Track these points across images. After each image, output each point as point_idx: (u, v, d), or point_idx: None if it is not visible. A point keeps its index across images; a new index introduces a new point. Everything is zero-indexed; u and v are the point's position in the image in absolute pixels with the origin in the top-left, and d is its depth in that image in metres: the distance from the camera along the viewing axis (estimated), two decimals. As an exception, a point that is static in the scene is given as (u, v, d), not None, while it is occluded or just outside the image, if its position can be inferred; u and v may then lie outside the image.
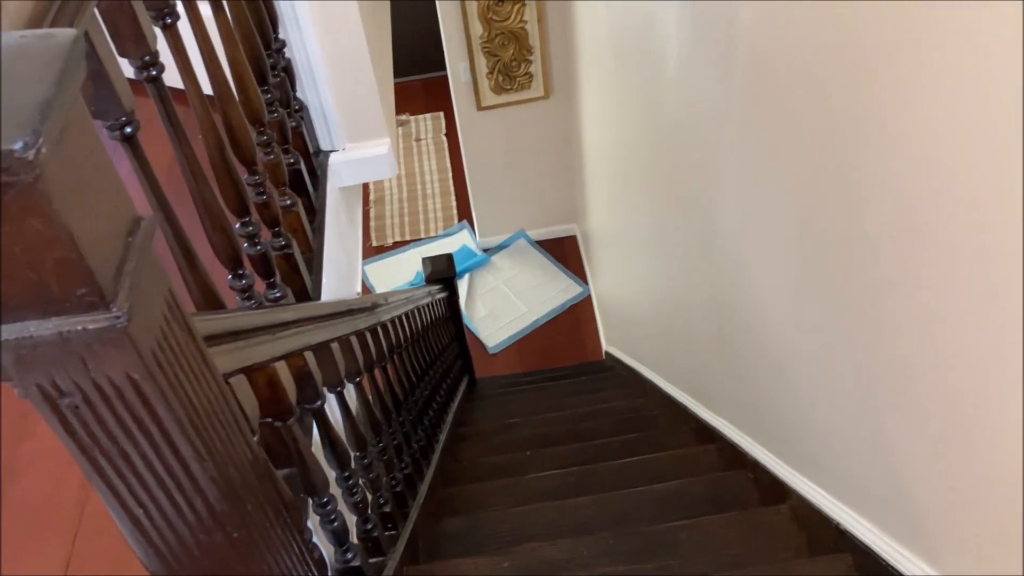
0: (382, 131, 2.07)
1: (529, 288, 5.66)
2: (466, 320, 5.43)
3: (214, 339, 0.86)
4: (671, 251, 2.94)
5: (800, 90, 1.40)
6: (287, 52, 1.91)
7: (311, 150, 2.02)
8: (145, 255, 0.67)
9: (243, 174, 1.51)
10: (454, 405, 4.18)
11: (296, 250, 1.73)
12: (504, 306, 5.56)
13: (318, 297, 1.86)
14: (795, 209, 1.55)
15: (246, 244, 1.51)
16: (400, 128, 6.75)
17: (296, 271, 1.77)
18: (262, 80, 1.80)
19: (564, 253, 5.83)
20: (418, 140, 6.68)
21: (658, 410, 3.28)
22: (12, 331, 0.63)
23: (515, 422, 3.53)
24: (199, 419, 0.74)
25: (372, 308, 2.06)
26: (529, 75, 5.01)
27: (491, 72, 4.97)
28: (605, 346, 5.12)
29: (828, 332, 1.57)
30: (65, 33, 0.57)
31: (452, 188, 6.31)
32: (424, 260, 4.39)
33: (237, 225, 1.49)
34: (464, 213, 6.09)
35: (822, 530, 1.86)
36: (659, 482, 2.43)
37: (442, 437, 3.49)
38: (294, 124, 1.92)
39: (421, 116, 6.85)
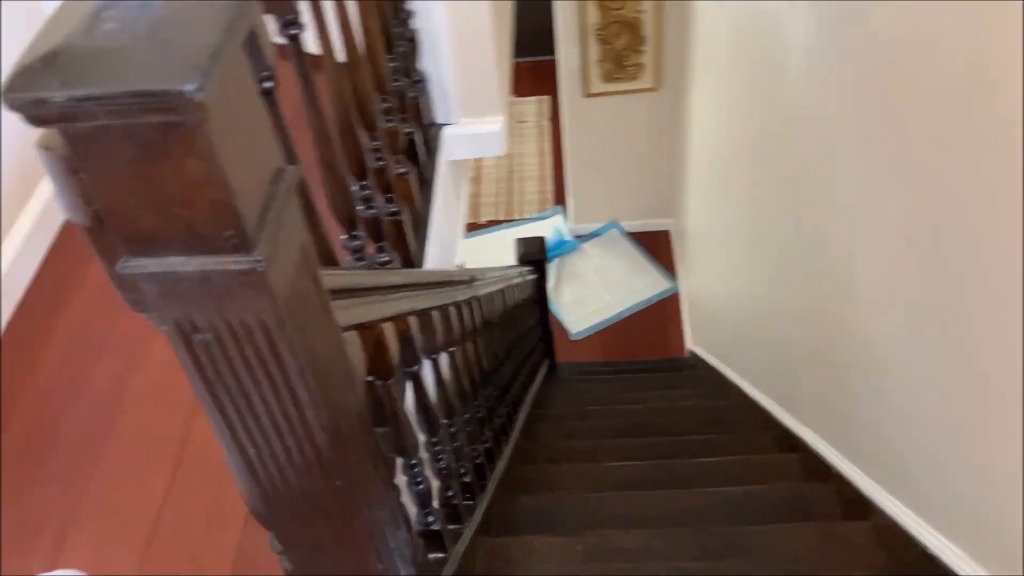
0: (497, 109, 2.08)
1: (617, 278, 5.63)
2: (551, 304, 5.45)
3: (335, 294, 0.89)
4: (771, 253, 2.89)
5: (937, 95, 1.36)
6: (413, 22, 1.94)
7: (426, 121, 2.05)
8: (287, 204, 0.70)
9: (364, 138, 1.54)
10: (534, 386, 4.21)
11: (406, 217, 1.76)
12: (590, 294, 5.55)
13: (421, 265, 1.89)
14: (922, 220, 1.50)
15: (361, 207, 1.54)
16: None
17: (403, 238, 1.80)
18: (388, 48, 1.84)
19: (656, 247, 5.78)
20: (521, 122, 6.70)
21: (740, 413, 3.24)
22: (159, 265, 0.66)
23: (593, 409, 3.53)
24: (318, 368, 0.77)
25: (470, 282, 2.09)
26: (639, 65, 4.96)
27: (601, 60, 4.94)
28: (689, 345, 5.07)
29: (946, 351, 1.52)
30: (234, -17, 0.60)
31: (550, 173, 6.31)
32: (517, 241, 4.42)
33: (354, 187, 1.53)
34: (559, 200, 6.08)
35: (905, 552, 1.81)
36: (737, 485, 2.40)
37: (521, 416, 3.52)
38: (413, 95, 1.95)
39: (527, 99, 6.85)
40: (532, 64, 6.95)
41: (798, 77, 2.20)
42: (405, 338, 1.38)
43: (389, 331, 1.23)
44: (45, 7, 1.87)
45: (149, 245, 0.65)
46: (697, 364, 4.57)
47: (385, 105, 1.69)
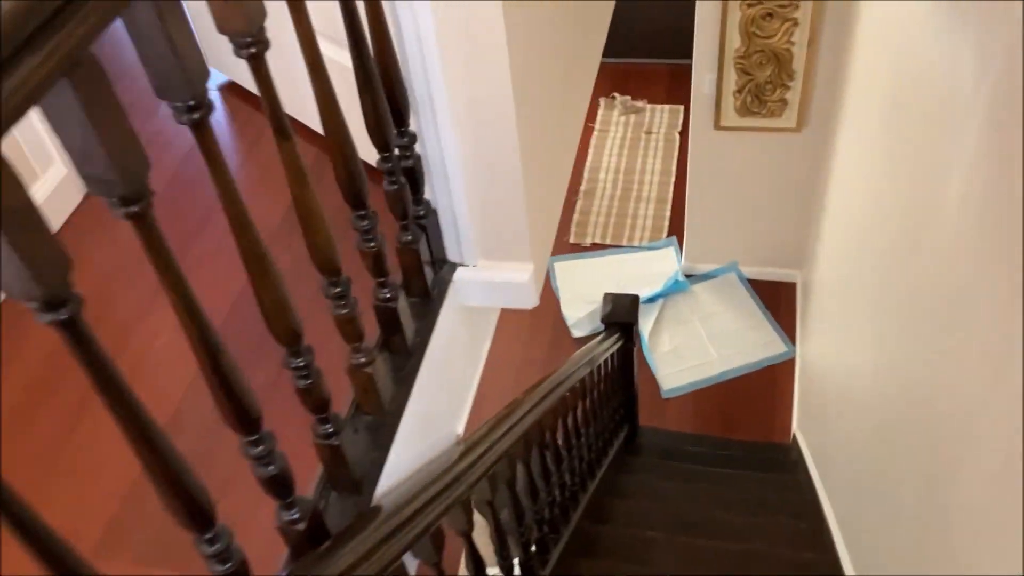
0: (525, 255, 1.58)
1: (727, 332, 5.01)
2: (645, 350, 4.90)
3: None
4: (900, 354, 2.29)
5: None
6: (418, 147, 1.45)
7: (436, 257, 1.57)
8: None
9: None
10: (607, 459, 3.72)
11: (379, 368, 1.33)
12: (693, 346, 4.96)
13: (391, 428, 1.44)
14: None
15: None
16: (632, 116, 6.17)
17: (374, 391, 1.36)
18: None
19: (777, 301, 5.11)
20: (648, 133, 6.08)
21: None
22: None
23: (654, 537, 3.01)
24: None
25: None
26: (783, 102, 4.28)
27: (739, 91, 4.28)
28: (795, 427, 4.43)
29: None
30: None
31: (670, 195, 5.70)
32: (605, 296, 3.88)
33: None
34: (676, 227, 5.47)
35: None
36: None
37: (585, 499, 3.07)
38: (407, 239, 1.47)
39: (659, 106, 6.22)
40: (671, 68, 6.31)
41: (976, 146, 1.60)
42: None
43: None
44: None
45: None
46: (796, 462, 3.96)
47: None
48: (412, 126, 1.42)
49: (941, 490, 1.77)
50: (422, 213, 1.51)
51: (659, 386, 4.76)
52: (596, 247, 5.48)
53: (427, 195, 1.53)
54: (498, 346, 4.89)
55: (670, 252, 5.40)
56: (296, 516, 1.15)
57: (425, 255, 1.52)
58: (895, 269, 2.53)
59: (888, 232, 2.66)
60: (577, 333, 4.98)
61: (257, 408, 1.01)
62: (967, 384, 1.65)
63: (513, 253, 1.57)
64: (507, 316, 5.06)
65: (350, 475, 1.28)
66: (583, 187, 5.79)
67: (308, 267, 1.20)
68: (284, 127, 1.02)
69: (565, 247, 5.48)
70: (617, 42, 6.61)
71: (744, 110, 4.37)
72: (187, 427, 1.78)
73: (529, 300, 1.62)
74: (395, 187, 1.40)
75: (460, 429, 1.80)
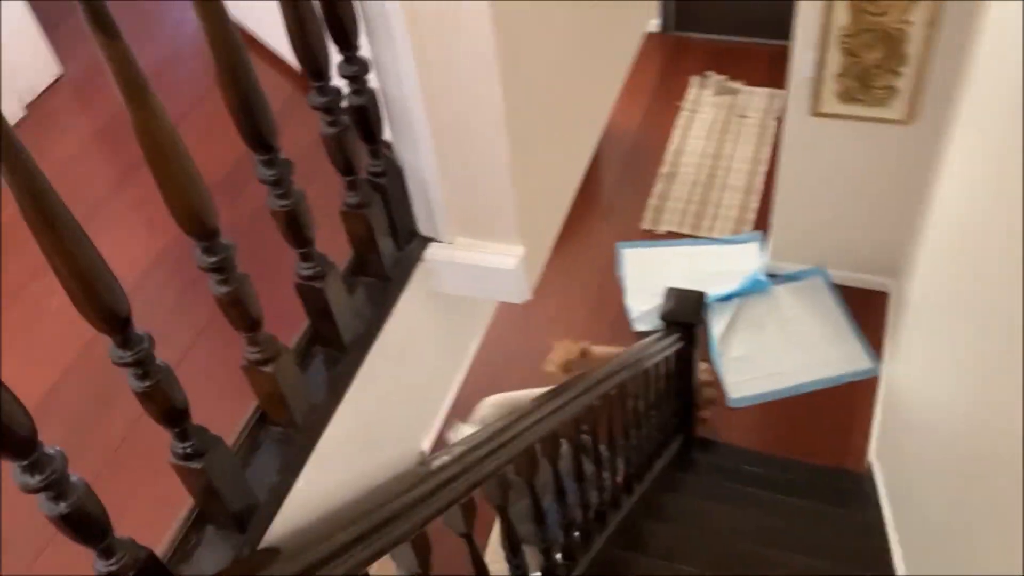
0: (512, 235, 1.23)
1: (807, 341, 4.53)
2: (714, 352, 4.48)
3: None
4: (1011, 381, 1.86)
5: None
6: (371, 78, 1.11)
7: (391, 229, 1.23)
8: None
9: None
10: (651, 473, 3.35)
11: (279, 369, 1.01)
12: (767, 353, 4.50)
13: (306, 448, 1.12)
14: None
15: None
16: (727, 97, 5.69)
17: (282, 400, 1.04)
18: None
19: (866, 311, 4.60)
20: (743, 117, 5.60)
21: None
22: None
23: (689, 574, 2.63)
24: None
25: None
26: (891, 89, 3.77)
27: (842, 74, 3.79)
28: (871, 455, 3.95)
29: None
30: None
31: (760, 186, 5.22)
32: (668, 291, 3.48)
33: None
34: (762, 222, 5.00)
35: None
36: None
37: (614, 521, 2.72)
38: (353, 201, 1.13)
39: (756, 89, 5.72)
40: (772, 49, 5.79)
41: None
42: None
43: None
44: None
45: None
46: (870, 497, 3.50)
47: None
48: (365, 52, 1.08)
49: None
50: (379, 170, 1.17)
51: (725, 393, 4.34)
52: (672, 236, 5.06)
53: (394, 153, 1.18)
54: (543, 336, 4.55)
55: (753, 248, 4.94)
56: (114, 568, 0.83)
57: (381, 225, 1.18)
58: (1009, 291, 2.08)
59: (1004, 247, 2.21)
60: (640, 327, 4.59)
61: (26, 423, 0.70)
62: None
63: (496, 231, 1.22)
64: (563, 304, 4.74)
65: (224, 508, 0.96)
66: (664, 170, 5.36)
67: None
68: (103, 19, 0.69)
69: (637, 233, 5.08)
70: (715, 17, 6.16)
71: (846, 96, 3.87)
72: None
73: (518, 293, 1.27)
74: (334, 130, 1.06)
75: (425, 445, 1.47)
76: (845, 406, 4.27)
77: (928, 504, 2.70)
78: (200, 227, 0.86)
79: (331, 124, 1.06)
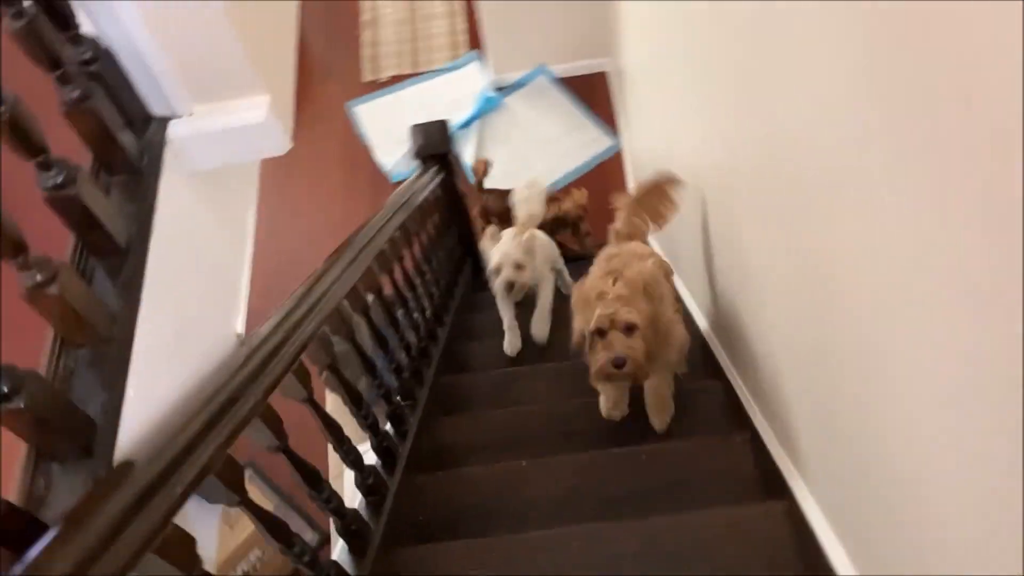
0: (253, 84, 1.19)
1: (551, 138, 4.73)
2: (471, 177, 4.58)
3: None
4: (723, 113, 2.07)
5: None
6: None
7: (123, 119, 1.15)
8: None
9: None
10: (454, 301, 3.46)
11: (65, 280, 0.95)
12: (519, 163, 4.67)
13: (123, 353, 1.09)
14: None
15: None
16: (400, -73, 5.55)
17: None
18: None
19: (593, 94, 4.85)
20: (421, -58, 5.51)
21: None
22: None
23: (516, 372, 2.81)
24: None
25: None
26: None
27: None
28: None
29: None
30: None
31: (461, 6, 5.23)
32: (413, 129, 3.49)
33: None
34: (475, 42, 5.05)
35: None
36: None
37: (436, 353, 2.83)
38: (74, 96, 1.05)
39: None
40: None
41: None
42: None
43: None
44: None
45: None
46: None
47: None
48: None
49: (802, 240, 1.57)
50: (87, 57, 1.08)
51: (494, 211, 4.48)
52: (396, 80, 5.02)
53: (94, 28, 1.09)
54: (310, 215, 4.47)
55: (474, 68, 5.00)
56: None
57: (112, 115, 1.10)
58: (702, 32, 2.25)
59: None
60: (399, 176, 4.60)
61: None
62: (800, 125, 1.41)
63: (236, 86, 1.17)
64: (315, 177, 4.63)
65: (61, 438, 0.92)
66: (364, 17, 5.23)
67: None
68: None
69: (361, 88, 4.99)
70: None
71: None
72: None
73: (277, 143, 1.24)
74: (22, 22, 0.96)
75: (239, 327, 1.44)
76: (601, 185, 4.55)
77: (681, 243, 2.96)
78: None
79: (16, 16, 0.96)
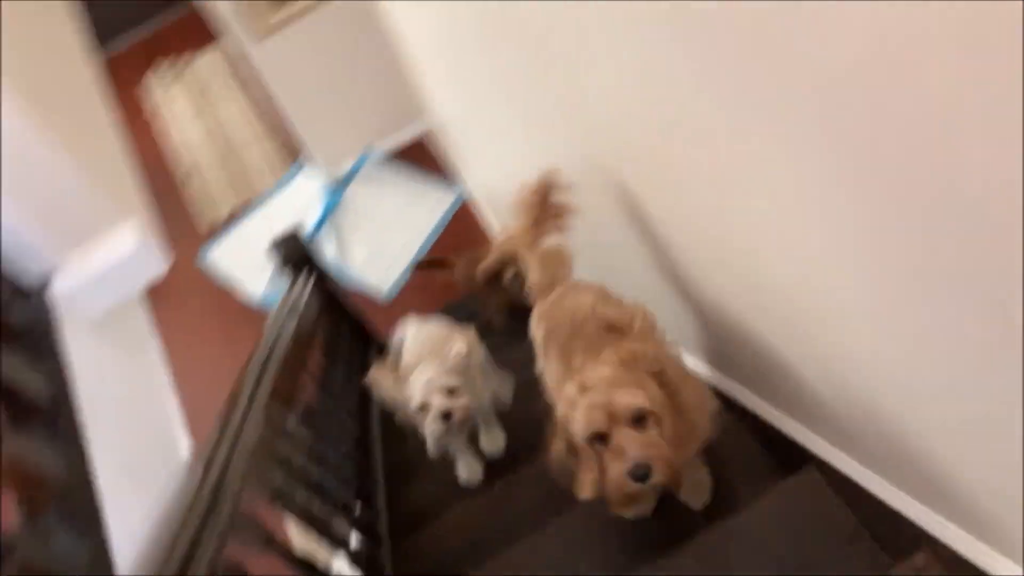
0: (115, 212, 1.25)
1: (398, 215, 4.85)
2: (344, 273, 4.65)
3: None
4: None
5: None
6: None
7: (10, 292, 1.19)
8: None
9: None
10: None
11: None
12: (381, 243, 4.77)
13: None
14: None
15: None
16: (186, 74, 5.64)
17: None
18: None
19: (424, 154, 5.00)
20: (204, 91, 5.60)
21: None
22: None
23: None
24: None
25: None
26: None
27: (253, -9, 3.95)
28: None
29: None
30: None
31: (266, 129, 5.34)
32: (270, 247, 3.54)
33: None
34: (294, 154, 5.15)
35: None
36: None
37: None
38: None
39: (205, 49, 5.74)
40: (169, 26, 5.81)
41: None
42: None
43: None
44: None
45: None
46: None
47: None
48: None
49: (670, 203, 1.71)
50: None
51: (380, 295, 4.55)
52: (234, 215, 5.05)
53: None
54: (206, 364, 4.43)
55: (306, 174, 5.10)
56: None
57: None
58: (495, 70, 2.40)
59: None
60: (275, 298, 4.61)
61: None
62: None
63: (104, 218, 1.23)
64: (195, 336, 4.60)
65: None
66: (183, 170, 5.27)
67: None
68: None
69: (206, 236, 5.00)
70: (111, 22, 5.97)
71: (274, 4, 4.06)
72: None
73: (157, 263, 1.30)
74: None
75: (185, 452, 1.47)
76: (464, 232, 4.68)
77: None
78: None
79: None
